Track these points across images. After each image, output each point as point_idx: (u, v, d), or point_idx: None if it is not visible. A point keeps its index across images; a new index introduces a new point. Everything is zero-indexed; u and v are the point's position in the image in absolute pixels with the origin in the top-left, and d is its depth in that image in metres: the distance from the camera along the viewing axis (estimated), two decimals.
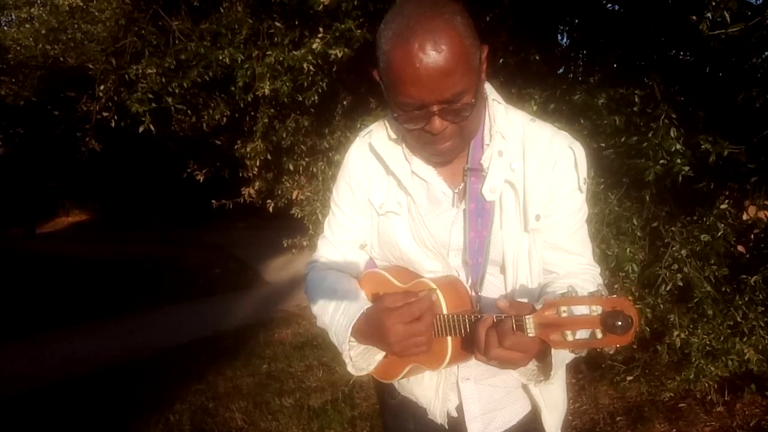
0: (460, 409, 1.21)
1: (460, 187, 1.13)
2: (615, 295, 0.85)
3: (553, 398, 1.22)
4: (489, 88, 1.14)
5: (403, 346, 1.00)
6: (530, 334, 0.90)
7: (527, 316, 0.89)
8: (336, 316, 1.13)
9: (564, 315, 0.86)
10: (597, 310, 0.84)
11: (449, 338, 1.05)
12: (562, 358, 0.99)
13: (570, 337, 0.86)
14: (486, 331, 0.93)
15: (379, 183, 1.18)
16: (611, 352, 0.96)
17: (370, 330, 1.06)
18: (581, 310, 0.85)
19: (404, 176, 1.13)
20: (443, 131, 1.00)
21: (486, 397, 1.20)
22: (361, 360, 1.13)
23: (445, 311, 1.05)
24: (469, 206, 1.10)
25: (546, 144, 1.09)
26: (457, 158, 1.12)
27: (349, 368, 1.12)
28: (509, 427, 1.22)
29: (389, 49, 0.95)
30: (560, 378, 1.23)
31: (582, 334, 0.87)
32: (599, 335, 0.84)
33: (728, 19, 1.94)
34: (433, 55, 0.90)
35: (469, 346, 1.07)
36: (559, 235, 1.12)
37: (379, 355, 1.13)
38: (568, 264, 1.14)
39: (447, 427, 1.22)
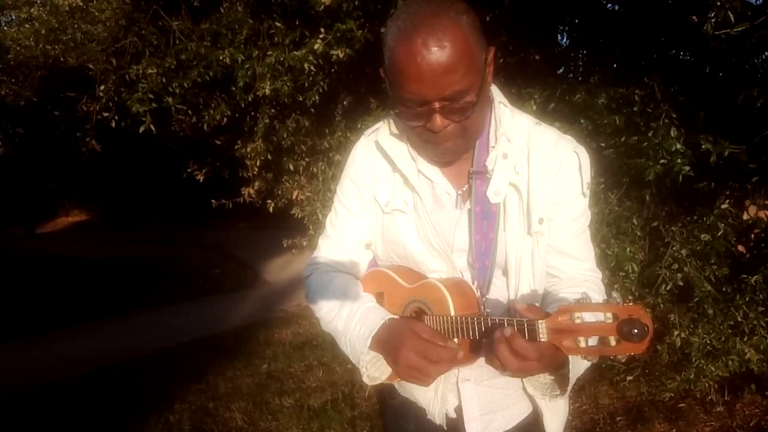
0: (459, 410, 1.21)
1: (464, 188, 1.13)
2: (631, 303, 0.85)
3: (555, 402, 1.19)
4: (495, 91, 1.13)
5: (406, 374, 1.01)
6: (542, 339, 0.89)
7: (540, 321, 0.89)
8: (352, 324, 1.12)
9: (578, 321, 0.86)
10: (612, 317, 0.83)
11: (455, 340, 1.04)
12: (576, 372, 0.98)
13: (583, 344, 0.86)
14: (500, 336, 0.92)
15: (385, 181, 1.18)
16: (623, 360, 0.96)
17: (388, 338, 1.05)
18: (595, 316, 0.85)
19: (411, 174, 1.13)
20: (444, 130, 0.99)
21: (485, 398, 1.19)
22: (373, 369, 1.12)
23: (452, 313, 1.04)
24: (474, 208, 1.10)
25: (551, 148, 1.09)
26: (462, 159, 1.12)
27: (364, 378, 1.12)
28: (509, 429, 1.21)
29: (394, 45, 0.96)
30: None
31: (595, 341, 0.86)
32: (613, 342, 0.84)
33: (732, 19, 1.94)
34: (435, 51, 0.91)
35: (475, 348, 1.07)
36: (562, 239, 1.12)
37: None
38: (570, 269, 1.14)
39: (446, 428, 1.21)
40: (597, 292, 1.10)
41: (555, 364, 0.95)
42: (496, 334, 0.92)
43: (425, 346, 0.99)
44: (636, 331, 0.81)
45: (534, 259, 1.10)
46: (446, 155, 1.07)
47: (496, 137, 1.10)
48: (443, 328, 1.04)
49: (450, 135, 1.01)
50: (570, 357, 0.94)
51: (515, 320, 0.92)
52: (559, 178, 1.08)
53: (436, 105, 0.96)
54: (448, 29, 0.92)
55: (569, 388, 0.99)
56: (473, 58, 0.95)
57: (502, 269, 1.13)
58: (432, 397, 1.20)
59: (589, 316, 0.86)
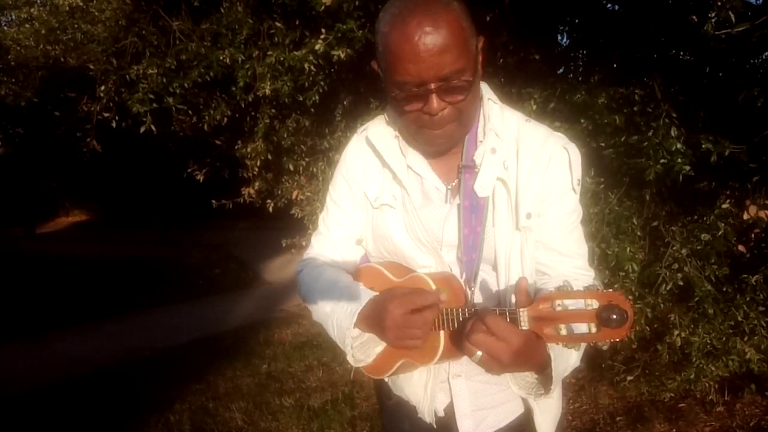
0: (450, 408, 1.21)
1: (454, 183, 1.14)
2: (610, 290, 0.86)
3: (545, 400, 1.18)
4: (485, 88, 1.15)
5: (398, 335, 1.00)
6: (524, 327, 0.89)
7: (521, 309, 0.90)
8: (339, 305, 1.13)
9: (558, 309, 0.87)
10: (592, 304, 0.84)
11: (442, 332, 1.05)
12: (562, 370, 0.99)
13: (564, 331, 0.87)
14: (474, 319, 0.93)
15: (375, 177, 1.19)
16: (605, 348, 0.98)
17: (373, 314, 1.05)
18: (576, 304, 0.86)
19: (399, 169, 1.14)
20: (441, 113, 1.01)
21: (477, 394, 1.20)
22: (359, 351, 1.12)
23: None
24: (463, 202, 1.11)
25: (540, 144, 1.10)
26: (451, 154, 1.13)
27: (349, 358, 1.12)
28: (501, 428, 1.21)
29: (388, 31, 0.98)
30: None
31: (576, 328, 0.87)
32: (594, 329, 0.85)
33: (733, 18, 1.94)
34: (431, 31, 0.93)
35: (462, 341, 1.08)
36: (552, 236, 1.12)
37: (378, 347, 1.13)
38: (560, 266, 1.14)
39: (435, 426, 1.21)
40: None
41: (537, 357, 0.95)
42: (477, 316, 0.93)
43: (405, 299, 0.99)
44: (615, 317, 0.82)
45: (523, 255, 1.10)
46: (442, 141, 1.07)
47: (485, 132, 1.11)
48: None
49: (446, 119, 1.02)
50: (553, 356, 0.95)
51: (497, 309, 0.93)
52: (548, 174, 1.09)
53: (433, 86, 0.97)
54: (443, 12, 0.95)
55: (553, 387, 1.00)
56: (467, 42, 0.97)
57: (492, 264, 1.13)
58: (422, 395, 1.21)
59: (569, 304, 0.86)
